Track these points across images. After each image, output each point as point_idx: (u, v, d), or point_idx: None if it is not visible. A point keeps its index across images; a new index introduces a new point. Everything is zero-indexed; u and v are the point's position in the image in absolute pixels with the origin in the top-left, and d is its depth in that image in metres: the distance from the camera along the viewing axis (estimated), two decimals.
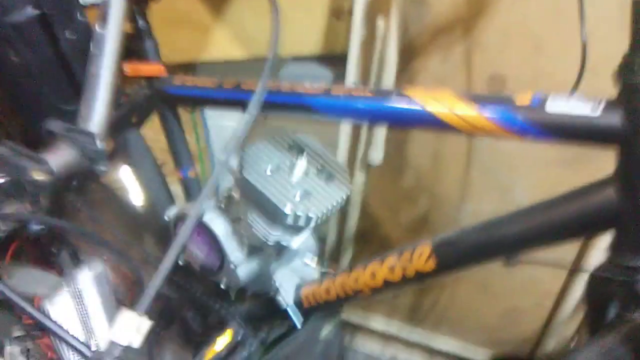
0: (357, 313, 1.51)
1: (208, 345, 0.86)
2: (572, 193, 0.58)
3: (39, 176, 0.62)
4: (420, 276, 0.74)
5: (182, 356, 1.11)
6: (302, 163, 0.82)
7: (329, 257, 1.37)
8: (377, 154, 1.11)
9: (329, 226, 1.32)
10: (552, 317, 1.22)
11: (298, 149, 0.85)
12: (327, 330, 1.05)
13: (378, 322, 1.50)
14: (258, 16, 1.22)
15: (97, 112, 0.67)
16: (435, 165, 1.13)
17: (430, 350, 1.50)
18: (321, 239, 1.18)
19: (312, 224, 0.79)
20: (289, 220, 0.78)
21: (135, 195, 1.16)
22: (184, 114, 1.48)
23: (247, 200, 0.83)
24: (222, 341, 0.87)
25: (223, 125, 1.48)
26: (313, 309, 0.94)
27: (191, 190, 1.00)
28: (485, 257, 0.68)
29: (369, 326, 1.51)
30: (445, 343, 1.44)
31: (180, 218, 0.94)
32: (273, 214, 0.78)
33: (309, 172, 0.84)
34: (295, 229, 0.84)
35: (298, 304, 0.93)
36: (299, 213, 0.77)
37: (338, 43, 1.16)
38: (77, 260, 1.54)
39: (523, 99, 0.58)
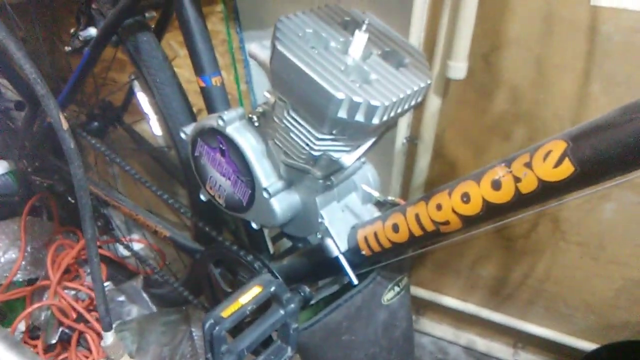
0: (425, 286, 1.24)
1: (232, 297, 0.63)
2: None
3: None
4: (546, 189, 0.48)
5: None
6: (360, 38, 0.57)
7: None
8: (460, 65, 0.83)
9: (392, 173, 1.06)
10: None
11: (355, 25, 0.60)
12: (392, 293, 0.79)
13: (452, 299, 1.23)
14: None
15: None
16: (540, 79, 0.84)
17: (517, 336, 1.21)
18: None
19: (376, 120, 0.54)
20: (342, 113, 0.53)
21: (154, 123, 0.96)
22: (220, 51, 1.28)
23: (284, 92, 0.59)
24: (251, 293, 0.63)
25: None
26: (374, 259, 0.69)
27: (215, 103, 0.77)
28: None
29: (440, 303, 1.24)
30: (538, 327, 1.15)
31: (199, 135, 0.72)
32: (320, 106, 0.54)
33: (370, 55, 0.59)
34: (351, 133, 0.59)
35: (354, 250, 0.69)
36: (357, 100, 0.52)
37: None
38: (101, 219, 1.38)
39: None
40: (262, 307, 0.68)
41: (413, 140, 1.00)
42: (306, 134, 0.59)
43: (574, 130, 0.46)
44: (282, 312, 0.65)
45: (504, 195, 0.51)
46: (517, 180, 0.49)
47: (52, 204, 1.42)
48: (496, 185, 0.51)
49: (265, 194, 0.67)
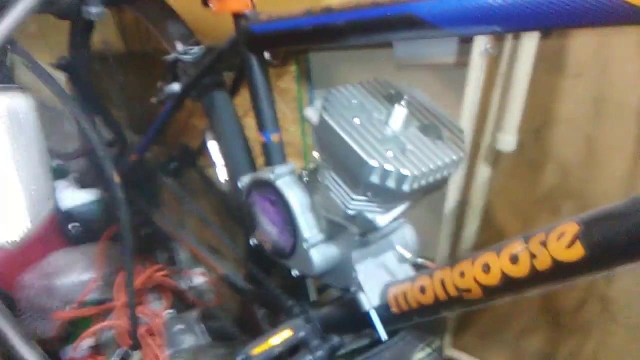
0: (469, 352, 1.22)
1: (264, 337, 0.68)
2: None
3: None
4: (559, 268, 0.50)
5: None
6: (400, 111, 0.63)
7: None
8: (509, 138, 0.86)
9: (441, 236, 1.08)
10: None
11: (399, 98, 0.66)
12: (422, 354, 0.81)
13: None
14: None
15: None
16: (590, 158, 0.85)
17: None
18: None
19: (406, 187, 0.59)
20: (375, 179, 0.59)
21: (221, 170, 1.06)
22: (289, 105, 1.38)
23: (326, 154, 0.66)
24: (282, 335, 0.68)
25: None
26: (403, 317, 0.72)
27: (273, 158, 0.85)
28: None
29: None
30: None
31: (253, 185, 0.79)
32: (356, 170, 0.60)
33: (409, 126, 0.64)
34: (384, 197, 0.64)
35: (384, 307, 0.72)
36: (388, 168, 0.57)
37: None
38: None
39: None
40: (292, 351, 0.73)
41: (463, 206, 1.03)
42: (343, 194, 0.65)
43: (587, 215, 0.48)
44: (310, 357, 0.69)
45: (520, 270, 0.53)
46: (533, 256, 0.52)
47: None
48: (514, 259, 0.54)
49: (305, 245, 0.73)
